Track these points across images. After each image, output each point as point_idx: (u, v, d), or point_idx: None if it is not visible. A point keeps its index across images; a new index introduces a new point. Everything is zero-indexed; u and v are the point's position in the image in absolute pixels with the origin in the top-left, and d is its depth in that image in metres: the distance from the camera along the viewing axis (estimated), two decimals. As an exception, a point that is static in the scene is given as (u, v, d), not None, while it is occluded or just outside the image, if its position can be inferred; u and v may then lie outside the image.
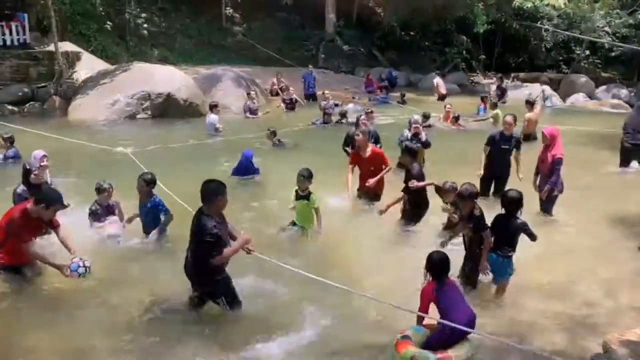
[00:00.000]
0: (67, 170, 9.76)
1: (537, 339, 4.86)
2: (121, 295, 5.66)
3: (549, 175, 7.89)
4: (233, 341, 4.80)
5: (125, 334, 4.95)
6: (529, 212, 7.75)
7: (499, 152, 8.62)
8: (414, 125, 10.38)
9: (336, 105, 17.73)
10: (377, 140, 9.55)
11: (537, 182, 8.09)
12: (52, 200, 5.60)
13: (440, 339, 4.45)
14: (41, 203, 5.51)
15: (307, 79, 20.78)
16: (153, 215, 6.84)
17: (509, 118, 8.76)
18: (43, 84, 16.97)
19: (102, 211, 7.00)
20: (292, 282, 5.53)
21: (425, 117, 14.81)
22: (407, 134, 10.47)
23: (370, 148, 8.26)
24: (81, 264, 5.51)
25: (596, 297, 5.62)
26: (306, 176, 6.94)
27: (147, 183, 6.75)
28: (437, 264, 4.65)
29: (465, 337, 4.48)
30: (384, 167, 8.14)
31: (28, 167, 6.93)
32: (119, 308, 5.42)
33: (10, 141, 10.27)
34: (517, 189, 5.76)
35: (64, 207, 5.74)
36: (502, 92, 22.52)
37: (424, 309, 4.57)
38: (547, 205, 7.97)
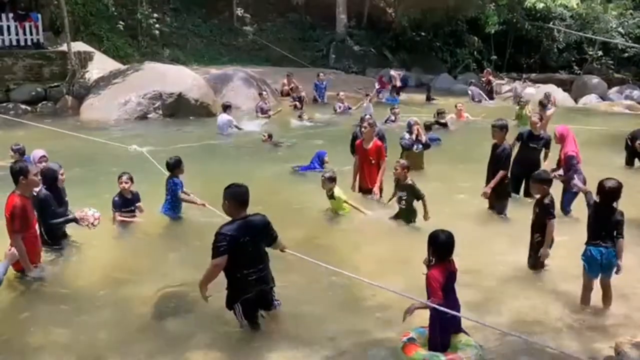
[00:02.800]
0: (80, 167, 9.84)
1: (547, 340, 4.81)
2: (130, 290, 5.72)
3: (565, 173, 7.97)
4: (238, 340, 4.81)
5: (133, 330, 5.00)
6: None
7: (526, 150, 8.77)
8: (413, 127, 10.53)
9: (349, 108, 17.82)
10: (382, 139, 9.60)
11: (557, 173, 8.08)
12: (21, 169, 5.71)
13: (442, 328, 4.36)
14: (20, 176, 5.61)
15: (318, 88, 20.45)
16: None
17: (534, 118, 9.00)
18: (56, 84, 17.12)
19: (121, 202, 7.44)
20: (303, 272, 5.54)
21: (440, 113, 14.86)
22: (407, 136, 10.52)
23: (373, 141, 8.50)
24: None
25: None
26: (327, 178, 7.94)
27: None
28: (444, 244, 4.36)
29: (464, 334, 4.42)
30: (380, 162, 8.44)
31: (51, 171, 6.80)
32: (128, 304, 5.47)
33: (20, 152, 9.11)
34: (615, 178, 5.41)
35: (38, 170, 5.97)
36: (490, 90, 22.27)
37: (436, 295, 4.24)
38: (565, 200, 7.94)
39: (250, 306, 4.76)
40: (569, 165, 7.94)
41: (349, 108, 17.88)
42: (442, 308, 4.23)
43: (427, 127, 12.58)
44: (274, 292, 4.96)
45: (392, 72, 22.54)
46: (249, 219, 4.65)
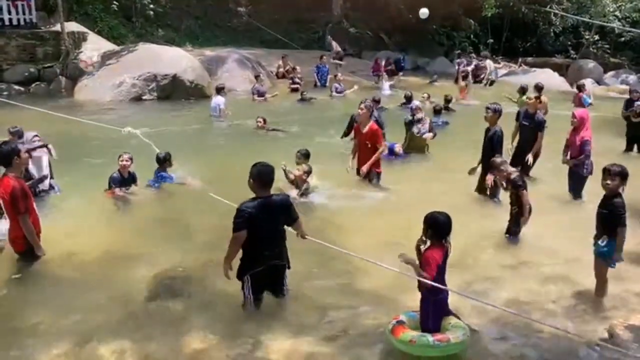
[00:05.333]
0: (72, 149, 9.78)
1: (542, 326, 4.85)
2: (125, 271, 5.74)
3: (577, 157, 8.00)
4: (238, 321, 4.83)
5: (130, 311, 5.00)
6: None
7: (520, 128, 9.18)
8: (415, 111, 10.76)
9: (342, 91, 17.86)
10: (380, 127, 9.66)
11: (567, 157, 8.19)
12: (13, 149, 5.73)
13: (434, 310, 4.39)
14: (14, 156, 5.62)
15: (320, 71, 20.18)
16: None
17: (531, 95, 9.47)
18: (49, 64, 16.95)
19: (120, 179, 7.66)
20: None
21: (447, 100, 14.95)
22: (410, 118, 10.73)
23: (370, 124, 8.47)
24: None
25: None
26: (301, 154, 8.30)
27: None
28: (443, 225, 4.34)
29: (456, 317, 4.45)
30: (377, 146, 8.42)
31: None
32: (124, 284, 5.48)
33: (18, 135, 8.81)
34: (620, 163, 5.27)
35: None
36: (476, 71, 22.25)
37: (430, 274, 4.22)
38: (575, 187, 8.06)
39: (259, 280, 4.85)
40: (582, 149, 7.94)
41: (342, 91, 17.94)
42: (435, 284, 4.24)
43: (437, 112, 12.77)
44: (287, 277, 5.04)
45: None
46: (269, 198, 4.76)
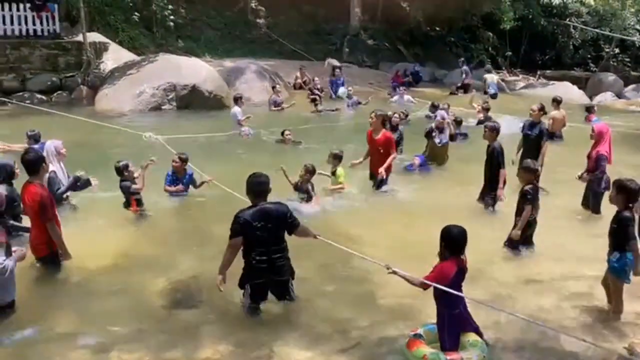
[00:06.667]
0: (95, 156, 9.93)
1: (559, 338, 4.79)
2: (141, 279, 5.79)
3: (593, 171, 7.98)
4: (253, 330, 4.85)
5: (144, 319, 5.04)
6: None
7: (524, 139, 9.34)
8: (437, 120, 10.87)
9: (359, 103, 18.00)
10: (398, 140, 10.23)
11: (580, 173, 8.20)
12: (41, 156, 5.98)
13: (449, 325, 4.35)
14: (42, 163, 5.83)
15: (335, 83, 20.28)
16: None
17: (534, 106, 9.37)
18: (71, 74, 17.25)
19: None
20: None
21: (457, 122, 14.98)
22: (432, 126, 10.84)
23: (383, 131, 8.80)
24: None
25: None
26: (333, 154, 8.80)
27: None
28: (456, 239, 4.31)
29: (475, 334, 4.39)
30: (391, 151, 8.77)
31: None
32: (141, 293, 5.53)
33: (34, 138, 8.90)
34: (634, 179, 5.21)
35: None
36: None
37: (432, 281, 4.23)
38: (593, 202, 8.01)
39: (259, 291, 5.02)
40: (598, 164, 7.92)
41: (359, 103, 18.25)
42: (432, 283, 4.24)
43: (458, 123, 12.80)
44: (292, 285, 5.14)
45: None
46: (264, 206, 4.93)
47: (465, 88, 22.15)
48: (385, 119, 9.20)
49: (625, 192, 5.11)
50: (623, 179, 5.21)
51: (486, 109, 15.09)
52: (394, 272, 4.53)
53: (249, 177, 5.06)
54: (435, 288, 4.30)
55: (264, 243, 4.86)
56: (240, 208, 4.97)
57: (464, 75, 22.60)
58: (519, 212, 6.47)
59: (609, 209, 5.61)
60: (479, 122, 14.79)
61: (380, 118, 8.80)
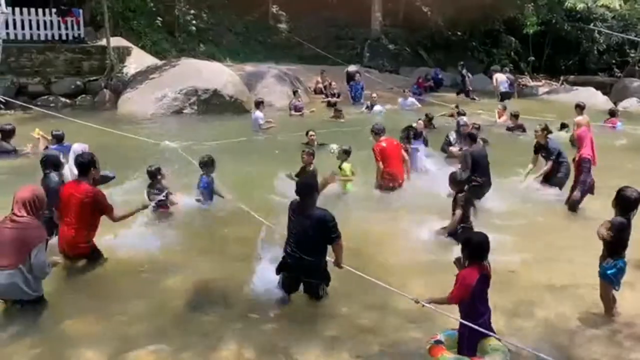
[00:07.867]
0: (114, 160, 9.98)
1: (577, 350, 4.72)
2: (164, 282, 5.82)
3: (577, 175, 8.22)
4: (273, 334, 4.86)
5: (166, 321, 5.07)
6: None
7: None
8: (462, 127, 10.96)
9: (382, 110, 17.92)
10: (425, 143, 10.54)
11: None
12: (92, 159, 6.29)
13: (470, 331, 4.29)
14: (92, 167, 6.17)
15: (354, 88, 20.20)
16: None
17: (537, 127, 9.37)
18: (94, 78, 17.51)
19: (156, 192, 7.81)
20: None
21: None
22: (454, 136, 10.62)
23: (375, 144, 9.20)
24: None
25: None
26: (342, 150, 9.22)
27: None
28: (478, 246, 4.30)
29: (496, 338, 4.33)
30: (377, 163, 9.08)
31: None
32: (162, 294, 5.56)
33: (58, 138, 9.42)
34: (636, 188, 5.16)
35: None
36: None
37: (454, 294, 4.27)
38: (573, 202, 8.21)
39: (287, 282, 5.40)
40: (581, 167, 8.13)
41: (382, 109, 17.93)
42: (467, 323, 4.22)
43: (478, 129, 12.71)
44: (322, 288, 5.41)
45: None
46: (299, 201, 5.39)
47: (467, 93, 21.98)
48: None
49: (618, 199, 5.11)
50: (625, 188, 5.16)
51: (515, 116, 15.12)
52: (423, 306, 4.56)
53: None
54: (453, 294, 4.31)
55: (293, 236, 5.30)
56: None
57: (467, 79, 22.35)
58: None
59: (605, 213, 5.52)
60: (509, 129, 14.90)
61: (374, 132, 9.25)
